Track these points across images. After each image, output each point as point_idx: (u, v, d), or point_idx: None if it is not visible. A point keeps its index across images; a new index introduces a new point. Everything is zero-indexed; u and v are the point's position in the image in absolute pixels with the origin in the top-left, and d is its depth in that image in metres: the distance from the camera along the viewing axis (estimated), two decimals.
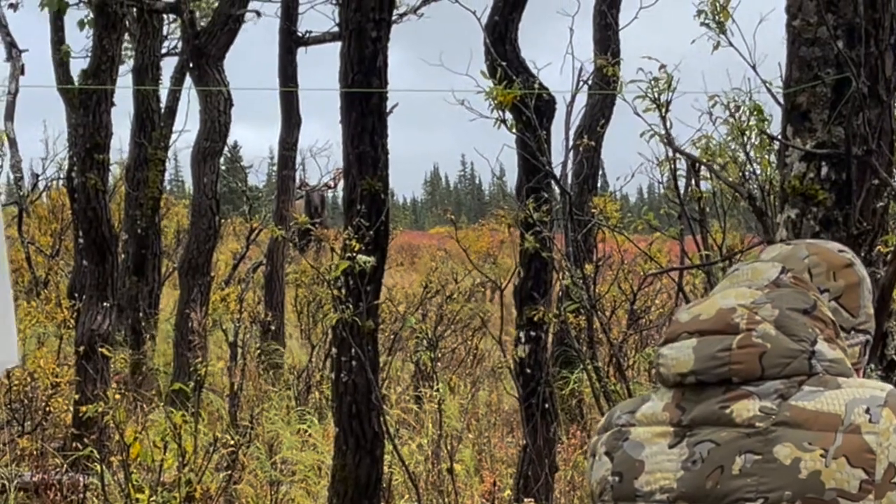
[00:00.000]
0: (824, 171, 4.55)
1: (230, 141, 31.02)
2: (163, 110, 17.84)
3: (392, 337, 15.89)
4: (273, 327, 17.35)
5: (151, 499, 7.37)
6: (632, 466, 2.53)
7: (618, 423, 2.62)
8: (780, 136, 4.72)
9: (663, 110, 6.09)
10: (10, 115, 18.55)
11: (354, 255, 8.02)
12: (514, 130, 9.23)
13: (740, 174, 6.99)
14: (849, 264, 2.70)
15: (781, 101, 4.82)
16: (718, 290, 2.63)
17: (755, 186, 7.71)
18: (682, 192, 8.13)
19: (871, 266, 4.57)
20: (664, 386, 2.57)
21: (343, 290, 8.25)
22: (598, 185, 16.55)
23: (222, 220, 19.62)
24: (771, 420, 2.38)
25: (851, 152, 4.44)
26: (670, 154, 7.37)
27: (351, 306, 8.15)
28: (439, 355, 15.89)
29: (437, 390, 10.77)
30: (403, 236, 33.03)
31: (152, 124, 17.26)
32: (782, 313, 2.46)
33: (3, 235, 4.36)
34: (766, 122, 6.65)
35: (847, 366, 2.49)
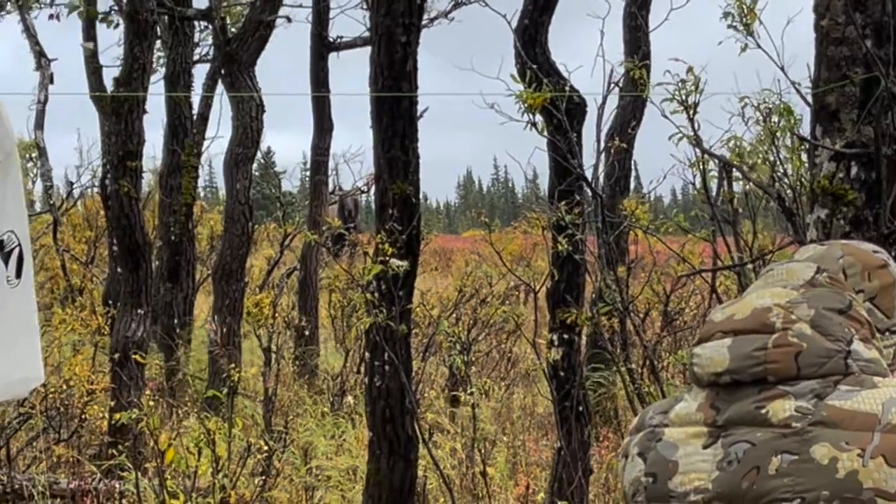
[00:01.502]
0: (854, 170, 4.54)
1: (264, 147, 31.09)
2: (195, 117, 17.89)
3: (426, 341, 15.91)
4: (307, 332, 17.37)
5: None
6: (665, 467, 2.51)
7: (651, 424, 2.60)
8: (809, 137, 4.70)
9: (691, 112, 6.07)
10: (39, 124, 18.60)
11: (387, 259, 8.03)
12: (544, 133, 9.22)
13: (771, 175, 6.96)
14: (883, 265, 2.67)
15: (810, 101, 4.81)
16: (752, 290, 2.61)
17: (786, 187, 7.69)
18: (713, 193, 8.10)
19: None
20: (698, 385, 2.56)
21: (376, 295, 8.26)
22: (632, 186, 16.53)
23: (256, 226, 19.68)
24: (807, 420, 2.36)
25: (881, 151, 4.42)
26: (700, 155, 7.34)
27: (384, 311, 8.16)
28: (473, 359, 15.90)
29: (471, 394, 10.74)
30: (437, 240, 33.03)
31: (185, 131, 17.32)
32: (818, 313, 2.44)
33: (30, 256, 4.36)
34: (796, 124, 6.62)
35: (883, 366, 2.47)
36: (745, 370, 2.44)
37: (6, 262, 4.31)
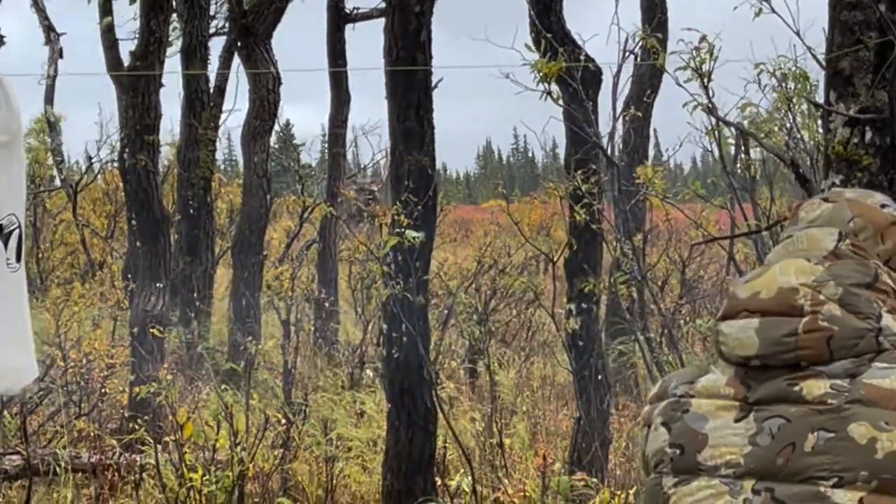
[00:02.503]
0: (868, 136, 4.50)
1: (282, 120, 31.06)
2: (212, 90, 17.87)
3: (445, 312, 15.90)
4: (326, 304, 17.38)
5: (205, 478, 7.40)
6: (694, 439, 2.47)
7: (675, 394, 2.56)
8: (823, 102, 4.67)
9: (705, 80, 6.03)
10: (49, 99, 18.61)
11: (403, 230, 8.02)
12: (560, 102, 9.19)
13: (786, 142, 6.93)
14: (894, 221, 2.61)
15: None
16: (773, 258, 2.56)
17: (803, 153, 7.67)
18: (729, 160, 8.08)
19: None
20: (724, 361, 2.51)
21: (392, 267, 8.26)
22: (651, 155, 16.48)
23: (275, 199, 19.68)
24: (844, 398, 2.33)
25: (895, 116, 4.39)
26: (715, 123, 7.31)
27: (401, 282, 8.16)
28: (492, 329, 15.90)
29: (490, 365, 10.76)
30: (456, 211, 33.05)
31: (202, 104, 17.29)
32: (846, 291, 2.39)
33: (23, 242, 4.27)
34: (811, 90, 6.59)
35: None
36: (776, 356, 2.40)
37: (6, 245, 4.21)
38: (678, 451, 2.48)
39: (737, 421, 2.43)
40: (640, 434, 2.66)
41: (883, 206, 2.64)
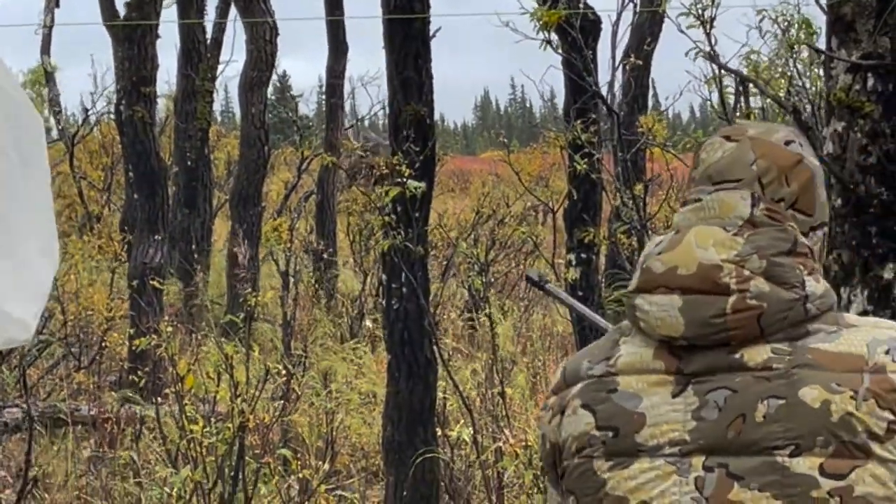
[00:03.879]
0: (870, 82, 4.47)
1: (279, 71, 30.96)
2: (209, 41, 17.81)
3: (444, 263, 15.91)
4: (325, 256, 17.38)
5: (205, 429, 7.40)
6: (630, 419, 2.35)
7: (593, 374, 2.43)
8: (824, 49, 4.64)
9: (707, 27, 5.98)
10: (46, 49, 18.57)
11: (404, 181, 7.99)
12: (559, 51, 9.15)
13: (788, 89, 6.89)
14: (798, 160, 2.47)
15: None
16: (683, 222, 2.44)
17: (805, 101, 7.63)
18: (729, 110, 8.04)
19: None
20: (644, 335, 2.41)
21: (393, 217, 8.23)
22: (649, 104, 16.43)
23: (273, 151, 19.64)
24: (789, 362, 2.27)
25: None
26: (716, 71, 7.27)
27: (401, 233, 8.13)
28: (492, 280, 15.90)
29: (490, 315, 10.73)
30: (454, 162, 32.98)
31: (199, 56, 17.24)
32: (770, 262, 2.31)
33: (49, 186, 4.09)
34: (814, 36, 6.54)
35: (831, 293, 2.37)
36: (704, 337, 2.31)
37: None
38: (611, 434, 2.37)
39: (674, 396, 2.33)
40: (544, 423, 2.52)
41: (787, 142, 2.50)
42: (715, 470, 2.28)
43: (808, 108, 7.19)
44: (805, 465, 2.23)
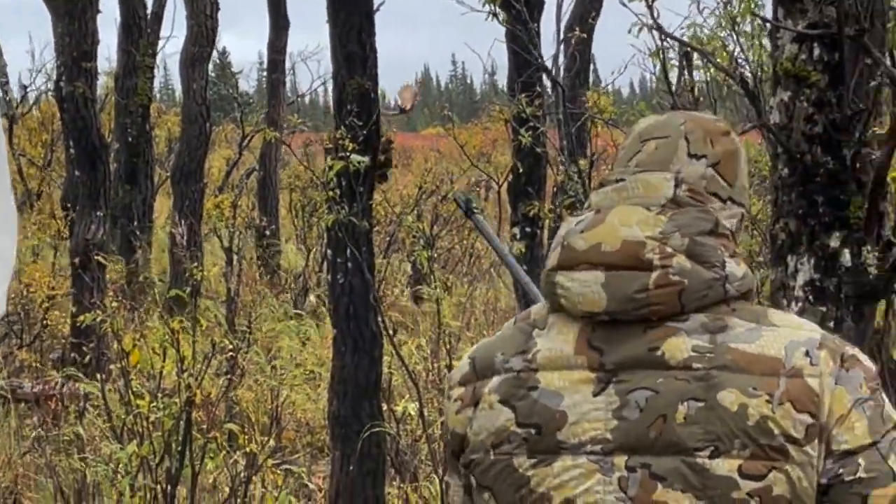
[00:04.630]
0: (816, 52, 4.49)
1: (219, 47, 30.79)
2: (149, 16, 17.69)
3: (388, 239, 15.91)
4: (268, 232, 17.34)
5: (152, 405, 7.38)
6: (552, 418, 2.35)
7: (511, 369, 2.43)
8: (771, 19, 4.66)
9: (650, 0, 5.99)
10: None
11: (348, 155, 7.97)
12: (504, 24, 9.17)
13: (730, 62, 6.93)
14: (726, 132, 2.55)
15: None
16: (605, 203, 2.45)
17: (748, 73, 7.67)
18: (674, 82, 8.08)
19: (867, 147, 4.54)
20: (565, 314, 2.41)
21: (337, 192, 8.21)
22: (591, 79, 16.44)
23: (214, 127, 19.54)
24: (709, 362, 2.30)
25: (844, 32, 4.38)
26: (660, 43, 7.30)
27: (346, 207, 8.11)
28: (436, 255, 15.91)
29: (435, 289, 10.75)
30: (396, 138, 32.85)
31: (139, 31, 17.12)
32: (692, 241, 2.34)
33: (5, 162, 3.96)
34: (756, 6, 6.58)
35: (751, 278, 2.41)
36: (626, 312, 2.33)
37: None
38: (533, 431, 2.37)
39: (595, 395, 2.34)
40: (450, 414, 2.52)
41: (717, 120, 2.63)
42: (638, 470, 2.30)
43: (751, 79, 7.22)
44: (724, 466, 2.26)
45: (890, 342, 8.32)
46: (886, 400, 2.37)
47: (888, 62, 4.63)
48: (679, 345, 2.31)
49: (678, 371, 2.31)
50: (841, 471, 2.29)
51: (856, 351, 2.38)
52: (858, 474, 2.29)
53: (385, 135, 8.83)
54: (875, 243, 4.53)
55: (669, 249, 2.33)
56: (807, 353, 2.31)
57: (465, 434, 2.47)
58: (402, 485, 8.75)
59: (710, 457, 2.26)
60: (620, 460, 2.31)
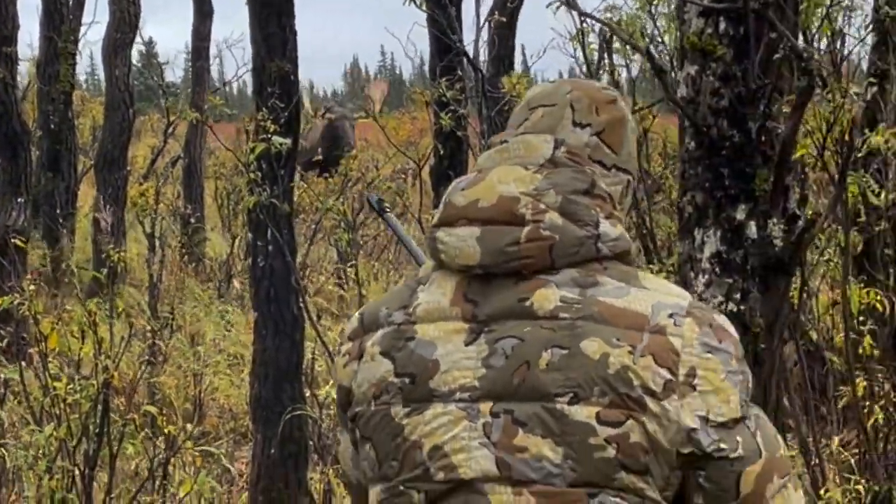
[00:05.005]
0: (722, 26, 4.54)
1: (145, 37, 30.56)
2: (71, 2, 17.54)
3: (314, 227, 15.89)
4: (193, 220, 17.27)
5: (69, 387, 7.34)
6: (425, 367, 2.40)
7: (393, 322, 2.48)
8: None
9: None
10: None
11: (269, 137, 7.97)
12: (424, 9, 9.19)
13: (647, 44, 7.00)
14: (612, 100, 2.60)
15: None
16: (487, 163, 2.51)
17: (665, 56, 7.75)
18: (593, 66, 8.15)
19: (772, 121, 4.59)
20: (443, 269, 2.47)
21: (258, 174, 8.20)
22: (518, 64, 16.46)
23: (140, 117, 19.43)
24: (576, 312, 2.35)
25: (749, 6, 4.44)
26: (579, 25, 7.37)
27: (267, 189, 8.11)
28: (361, 242, 15.91)
29: (357, 274, 10.79)
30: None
31: (61, 17, 16.97)
32: (566, 199, 2.39)
33: None
34: None
35: (627, 240, 2.46)
36: (499, 265, 2.38)
37: None
38: (408, 380, 2.41)
39: (467, 344, 2.39)
40: (339, 368, 2.58)
41: (605, 88, 2.67)
42: (501, 416, 2.34)
43: (667, 59, 7.30)
44: (583, 413, 2.30)
45: (805, 321, 8.43)
46: (748, 370, 2.43)
47: (800, 40, 4.70)
48: (548, 295, 2.36)
49: (545, 320, 2.35)
50: (724, 446, 2.34)
51: (723, 320, 2.44)
52: (738, 451, 2.35)
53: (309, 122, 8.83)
54: (780, 216, 4.60)
55: (542, 206, 2.38)
56: (671, 316, 2.37)
57: (351, 387, 2.51)
58: (324, 468, 8.75)
59: (570, 403, 2.31)
60: (486, 407, 2.35)
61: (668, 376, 2.32)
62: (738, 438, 2.35)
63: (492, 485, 2.34)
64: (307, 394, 8.72)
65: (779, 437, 2.45)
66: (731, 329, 2.43)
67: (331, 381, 9.60)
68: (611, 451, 2.29)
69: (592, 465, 2.30)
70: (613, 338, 2.33)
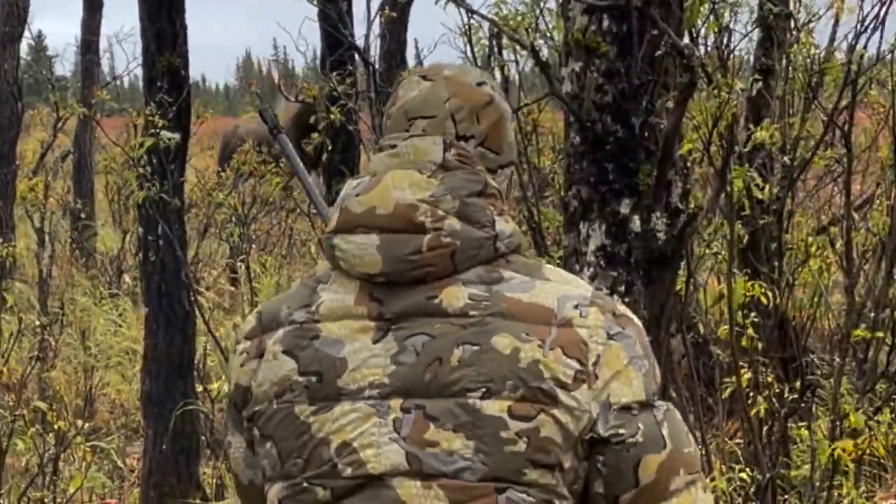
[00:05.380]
0: (606, 23, 4.61)
1: (34, 31, 30.21)
2: None
3: (205, 221, 15.81)
4: (83, 215, 17.10)
5: None
6: (332, 365, 2.40)
7: (295, 321, 2.48)
8: None
9: None
10: None
11: (158, 132, 7.94)
12: (315, 3, 9.20)
13: (531, 41, 7.05)
14: (489, 101, 2.57)
15: None
16: (380, 167, 2.49)
17: (554, 52, 7.82)
18: (483, 61, 8.20)
19: (655, 116, 4.68)
20: (343, 275, 2.46)
21: (148, 169, 8.17)
22: (407, 59, 16.49)
23: (29, 111, 19.19)
24: (484, 309, 2.37)
25: (631, 4, 4.52)
26: (467, 20, 7.42)
27: (156, 184, 8.08)
28: (254, 237, 15.86)
29: (249, 268, 10.75)
30: (215, 122, 32.63)
31: None
32: (462, 202, 2.40)
33: None
34: None
35: (519, 233, 2.48)
36: (401, 273, 2.38)
37: None
38: (314, 379, 2.41)
39: (375, 342, 2.40)
40: (235, 367, 2.56)
41: (480, 83, 2.61)
42: (412, 411, 2.35)
43: (555, 55, 7.37)
44: (495, 407, 2.32)
45: (692, 313, 8.55)
46: (655, 361, 2.47)
47: (686, 36, 4.78)
48: (456, 293, 2.38)
49: (455, 318, 2.36)
50: (622, 431, 2.37)
51: (626, 310, 2.49)
52: (637, 437, 2.37)
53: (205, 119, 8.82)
54: (664, 210, 4.68)
55: (441, 212, 2.38)
56: (576, 307, 2.40)
57: (250, 386, 2.50)
58: (216, 463, 8.75)
59: (482, 398, 2.32)
60: (396, 403, 2.36)
61: (578, 367, 2.35)
62: (640, 425, 2.38)
63: (401, 479, 2.35)
64: (199, 389, 8.70)
65: (690, 436, 2.46)
66: (635, 318, 2.49)
67: (223, 377, 9.59)
68: (521, 445, 2.32)
69: (502, 459, 2.32)
70: (523, 333, 2.35)
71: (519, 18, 7.08)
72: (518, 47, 7.54)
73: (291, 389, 2.43)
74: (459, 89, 2.56)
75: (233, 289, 14.95)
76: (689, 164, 6.21)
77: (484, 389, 2.33)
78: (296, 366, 2.43)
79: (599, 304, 2.44)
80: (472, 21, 7.54)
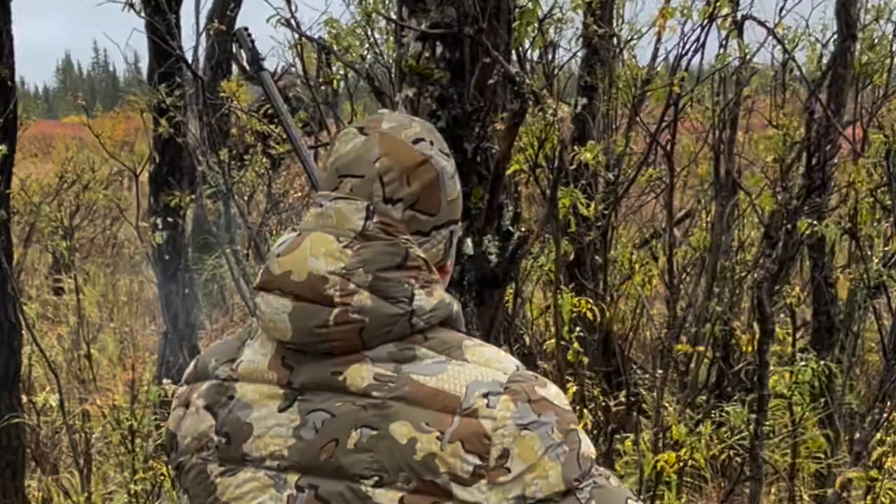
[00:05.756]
0: (439, 50, 4.66)
1: None
2: None
3: (27, 229, 15.59)
4: None
5: None
6: (240, 428, 2.37)
7: (218, 376, 2.45)
8: (396, 18, 4.84)
9: None
10: None
11: None
12: (142, 15, 9.16)
13: (362, 56, 7.13)
14: (423, 161, 2.43)
15: None
16: (305, 227, 2.42)
17: (384, 68, 7.91)
18: (311, 75, 8.25)
19: (487, 142, 4.77)
20: (266, 335, 2.42)
21: None
22: (234, 71, 16.46)
23: None
24: (388, 391, 2.28)
25: (464, 31, 4.59)
26: (297, 38, 7.46)
27: None
28: (77, 245, 15.68)
29: (75, 279, 10.65)
30: (36, 126, 32.06)
31: None
32: (375, 277, 2.30)
33: None
34: (387, 5, 6.80)
35: (445, 306, 2.37)
36: (309, 345, 2.32)
37: None
38: (224, 440, 2.39)
39: (281, 410, 2.34)
40: (172, 411, 2.54)
41: (417, 140, 2.46)
42: (306, 490, 2.31)
43: (387, 73, 7.45)
44: (387, 496, 2.26)
45: (519, 325, 8.71)
46: (582, 438, 2.33)
47: (513, 60, 4.88)
48: (361, 372, 2.30)
49: (357, 397, 2.29)
50: None
51: (547, 391, 2.33)
52: None
53: (24, 124, 8.71)
54: (495, 233, 4.77)
55: (352, 286, 2.30)
56: (486, 395, 2.27)
57: (175, 434, 2.50)
58: (42, 476, 8.67)
59: (375, 486, 2.26)
60: (293, 478, 2.33)
61: (477, 462, 2.25)
62: None
63: None
64: (24, 401, 8.61)
65: (631, 500, 2.38)
66: (556, 399, 2.34)
67: (48, 387, 9.50)
68: None
69: None
70: (423, 422, 2.26)
71: (352, 39, 7.13)
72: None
73: (207, 447, 2.42)
74: (392, 147, 2.44)
75: (56, 298, 14.77)
76: (518, 188, 6.33)
77: (377, 478, 2.26)
78: (214, 423, 2.41)
79: (514, 389, 2.29)
80: (300, 39, 7.57)
